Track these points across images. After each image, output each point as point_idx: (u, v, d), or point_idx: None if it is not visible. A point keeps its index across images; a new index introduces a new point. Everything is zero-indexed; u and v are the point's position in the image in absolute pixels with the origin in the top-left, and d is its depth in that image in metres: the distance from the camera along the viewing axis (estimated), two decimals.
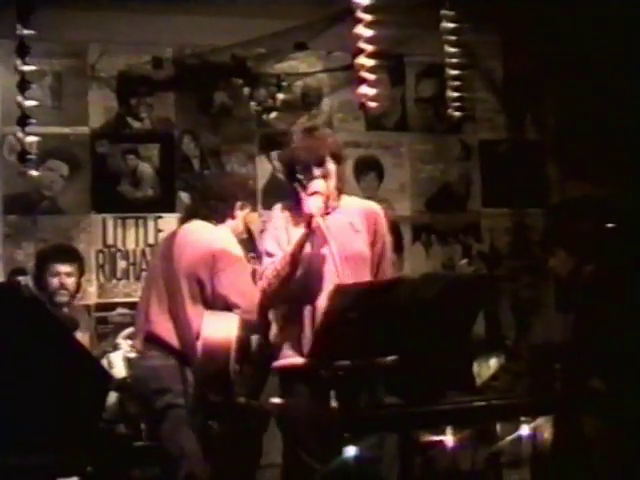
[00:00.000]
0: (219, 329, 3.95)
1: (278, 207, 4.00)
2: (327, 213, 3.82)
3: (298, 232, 3.80)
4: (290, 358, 3.84)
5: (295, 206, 3.92)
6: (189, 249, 4.10)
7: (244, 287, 4.04)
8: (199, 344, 3.92)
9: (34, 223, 5.63)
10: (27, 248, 5.53)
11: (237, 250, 4.16)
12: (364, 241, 3.93)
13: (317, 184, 3.80)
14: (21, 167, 4.81)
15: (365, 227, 3.95)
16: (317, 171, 3.84)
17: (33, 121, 4.76)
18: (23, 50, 4.75)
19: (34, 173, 4.84)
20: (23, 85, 4.76)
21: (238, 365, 3.97)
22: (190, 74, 5.90)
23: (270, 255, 3.88)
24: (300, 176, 3.86)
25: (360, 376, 3.62)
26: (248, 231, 4.42)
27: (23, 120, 4.77)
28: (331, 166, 3.89)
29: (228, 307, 4.03)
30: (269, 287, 3.83)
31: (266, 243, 3.95)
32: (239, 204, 4.28)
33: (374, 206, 4.09)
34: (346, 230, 3.89)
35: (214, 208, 4.22)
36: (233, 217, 4.27)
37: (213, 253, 4.04)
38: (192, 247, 4.10)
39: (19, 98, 4.77)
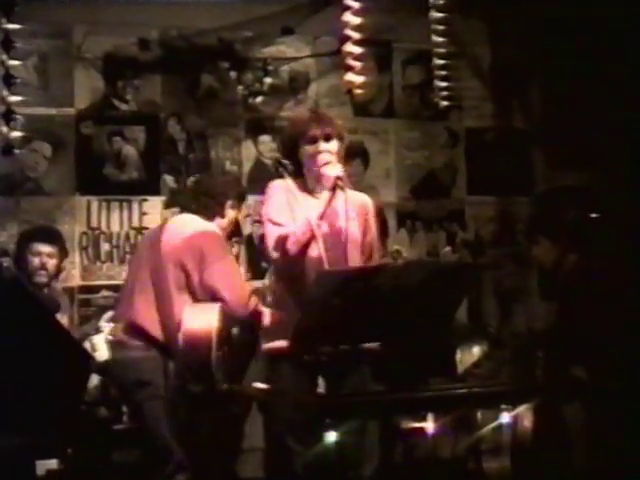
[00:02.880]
0: (200, 320, 3.95)
1: (276, 183, 4.00)
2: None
3: (300, 206, 3.84)
4: (280, 341, 3.83)
5: (295, 183, 3.97)
6: (177, 239, 4.11)
7: (234, 282, 4.06)
8: (180, 335, 3.92)
9: (17, 204, 5.59)
10: (10, 229, 5.49)
11: (225, 244, 4.20)
12: (357, 228, 4.00)
13: (327, 156, 3.89)
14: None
15: (357, 216, 4.01)
16: (324, 145, 3.90)
17: (18, 117, 4.72)
18: (8, 44, 4.69)
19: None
20: (8, 80, 4.71)
21: (220, 350, 3.97)
22: (176, 56, 5.87)
23: (279, 225, 3.87)
24: (306, 151, 3.90)
25: (345, 362, 3.64)
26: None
27: (8, 115, 4.71)
28: (334, 145, 3.95)
29: (214, 299, 4.03)
30: (286, 254, 3.82)
31: (271, 215, 3.92)
32: (229, 203, 4.30)
33: (366, 198, 4.16)
34: (344, 215, 3.92)
35: (204, 204, 4.24)
36: (222, 215, 4.28)
37: (201, 246, 4.05)
38: (180, 237, 4.12)
39: (4, 92, 4.71)
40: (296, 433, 3.77)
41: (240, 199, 4.45)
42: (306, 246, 3.81)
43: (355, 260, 3.90)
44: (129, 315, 4.10)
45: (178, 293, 4.03)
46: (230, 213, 4.33)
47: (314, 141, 3.92)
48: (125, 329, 4.09)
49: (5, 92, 4.63)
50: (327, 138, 3.93)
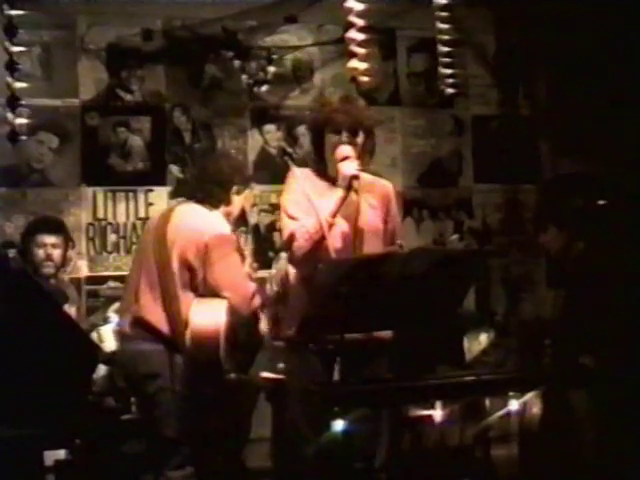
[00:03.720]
0: (207, 318, 3.94)
1: (296, 171, 3.93)
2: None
3: (319, 196, 3.76)
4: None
5: (315, 171, 3.92)
6: (183, 235, 4.06)
7: (236, 280, 4.03)
8: (187, 333, 3.91)
9: (24, 196, 5.60)
10: (17, 221, 5.50)
11: (230, 240, 4.13)
12: (378, 217, 3.95)
13: (347, 149, 3.79)
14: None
15: (379, 204, 3.96)
16: (347, 137, 3.82)
17: (22, 102, 4.72)
18: (11, 30, 4.69)
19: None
20: (11, 66, 4.71)
21: (227, 341, 3.96)
22: (180, 46, 5.86)
23: (294, 218, 3.83)
24: (329, 140, 3.84)
25: (359, 350, 3.63)
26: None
27: (12, 101, 4.72)
28: (361, 137, 3.87)
29: (218, 296, 4.02)
30: (299, 250, 3.79)
31: (287, 208, 3.88)
32: (235, 189, 4.24)
33: (387, 184, 4.09)
34: (363, 204, 3.88)
35: (210, 192, 4.18)
36: (228, 202, 4.23)
37: (206, 243, 4.00)
38: (186, 234, 4.07)
39: (8, 79, 4.71)
40: (310, 420, 3.75)
41: (245, 184, 4.36)
42: (320, 241, 3.75)
43: (376, 250, 3.81)
44: (135, 309, 4.08)
45: (183, 291, 4.01)
46: (236, 199, 4.26)
47: (338, 131, 3.83)
48: (131, 322, 4.08)
49: (9, 79, 4.64)
50: (352, 130, 3.83)
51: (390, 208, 4.01)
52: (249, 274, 4.28)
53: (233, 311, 3.99)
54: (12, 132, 4.76)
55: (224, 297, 3.99)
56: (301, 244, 3.77)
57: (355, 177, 3.74)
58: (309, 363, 3.79)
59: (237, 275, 4.06)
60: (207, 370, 3.94)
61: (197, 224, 4.10)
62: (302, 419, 3.80)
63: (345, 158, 3.77)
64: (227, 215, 4.21)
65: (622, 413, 4.18)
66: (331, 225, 3.74)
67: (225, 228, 4.12)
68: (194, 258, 4.00)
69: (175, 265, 4.01)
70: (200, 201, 4.19)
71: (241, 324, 4.10)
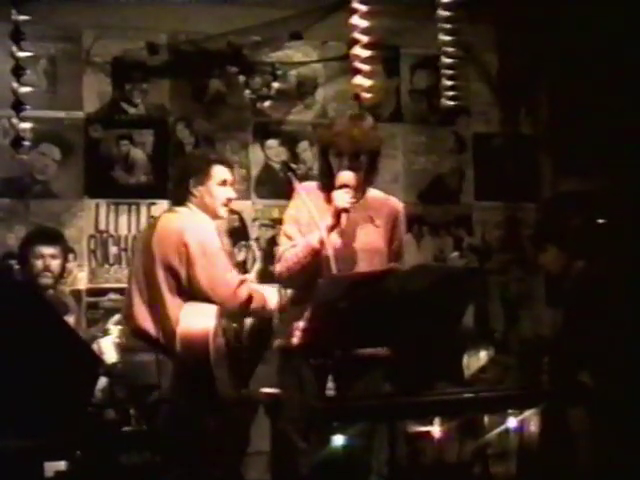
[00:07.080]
0: (196, 320, 3.93)
1: (304, 186, 3.93)
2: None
3: (321, 214, 3.76)
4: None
5: (322, 188, 3.92)
6: (164, 239, 4.08)
7: (217, 279, 4.01)
8: (177, 336, 3.91)
9: (26, 207, 5.61)
10: (19, 232, 5.49)
11: (210, 238, 4.09)
12: (382, 236, 3.93)
13: (346, 176, 3.76)
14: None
15: (384, 224, 3.94)
16: (348, 162, 3.79)
17: (27, 107, 4.75)
18: (18, 36, 4.72)
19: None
20: (17, 71, 4.74)
21: (226, 354, 3.97)
22: (185, 61, 5.89)
23: (289, 238, 3.85)
24: (333, 162, 3.84)
25: (354, 365, 3.65)
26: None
27: (17, 106, 4.75)
28: (364, 159, 3.84)
29: (201, 298, 4.02)
30: (287, 272, 3.81)
31: (286, 225, 3.91)
32: (192, 181, 4.16)
33: (397, 204, 4.06)
34: (365, 223, 3.89)
35: (172, 192, 4.22)
36: (194, 196, 4.16)
37: (185, 243, 4.00)
38: (166, 237, 4.08)
39: (14, 84, 4.74)
40: (302, 431, 3.76)
41: (203, 170, 4.16)
42: (310, 265, 3.76)
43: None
44: (132, 319, 4.11)
45: (171, 296, 4.02)
46: (202, 190, 4.16)
47: (340, 155, 3.81)
48: (131, 332, 4.10)
49: (15, 84, 4.67)
50: (354, 154, 3.80)
51: (396, 228, 3.98)
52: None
53: (225, 314, 3.99)
54: (16, 138, 4.79)
55: (208, 297, 3.99)
56: (289, 266, 3.80)
57: (345, 210, 3.71)
58: (303, 376, 3.80)
59: (217, 273, 4.03)
60: (197, 375, 3.93)
61: (176, 227, 4.08)
62: (294, 431, 3.81)
63: (342, 186, 3.74)
64: (205, 210, 4.17)
65: (620, 431, 4.19)
66: (319, 252, 3.73)
67: (204, 227, 4.10)
68: (176, 261, 4.01)
69: (160, 271, 4.03)
70: (173, 204, 4.22)
71: (249, 329, 4.12)
